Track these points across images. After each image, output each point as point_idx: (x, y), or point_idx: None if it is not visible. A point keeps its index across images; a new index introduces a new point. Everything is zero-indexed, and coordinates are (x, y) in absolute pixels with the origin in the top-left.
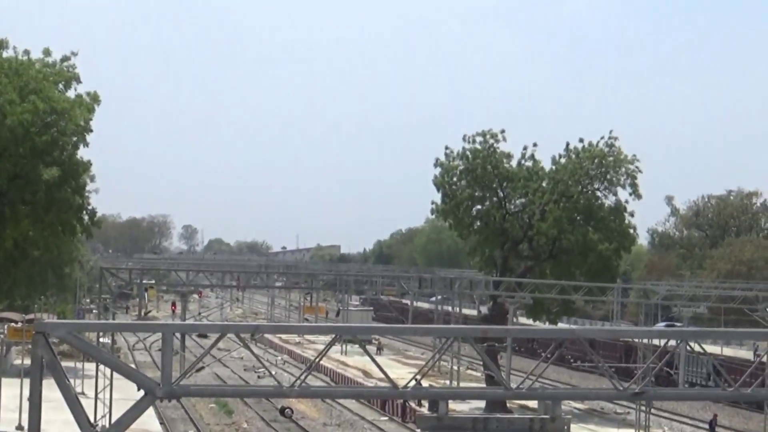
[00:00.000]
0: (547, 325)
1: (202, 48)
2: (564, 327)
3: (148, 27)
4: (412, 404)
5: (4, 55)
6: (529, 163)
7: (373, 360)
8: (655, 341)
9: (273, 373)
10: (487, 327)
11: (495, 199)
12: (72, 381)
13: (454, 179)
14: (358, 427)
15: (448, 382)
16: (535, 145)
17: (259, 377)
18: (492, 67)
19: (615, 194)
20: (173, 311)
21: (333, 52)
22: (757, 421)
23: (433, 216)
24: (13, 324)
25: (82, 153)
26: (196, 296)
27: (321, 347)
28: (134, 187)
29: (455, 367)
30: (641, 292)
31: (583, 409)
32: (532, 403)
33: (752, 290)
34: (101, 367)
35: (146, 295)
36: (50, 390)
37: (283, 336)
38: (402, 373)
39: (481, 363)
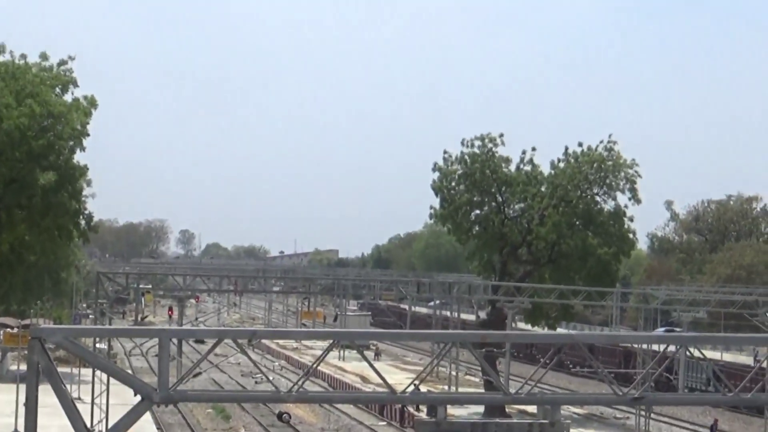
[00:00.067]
0: (545, 330)
1: (200, 52)
2: (563, 332)
3: (146, 31)
4: (411, 409)
5: (1, 59)
6: (528, 168)
7: (371, 365)
8: (655, 346)
9: (270, 378)
10: (486, 332)
11: (494, 203)
12: (68, 386)
13: (453, 184)
14: None
15: (446, 387)
16: (533, 149)
17: (256, 382)
18: (491, 71)
19: (614, 199)
20: (170, 316)
21: (332, 56)
22: (757, 426)
23: (432, 220)
24: (9, 329)
25: (79, 157)
26: (193, 301)
27: (319, 353)
28: (131, 192)
29: (454, 373)
30: (641, 296)
31: (582, 414)
32: (531, 409)
33: (752, 295)
34: (98, 372)
35: (143, 300)
36: (46, 395)
37: (281, 341)
38: (400, 379)
39: (480, 368)
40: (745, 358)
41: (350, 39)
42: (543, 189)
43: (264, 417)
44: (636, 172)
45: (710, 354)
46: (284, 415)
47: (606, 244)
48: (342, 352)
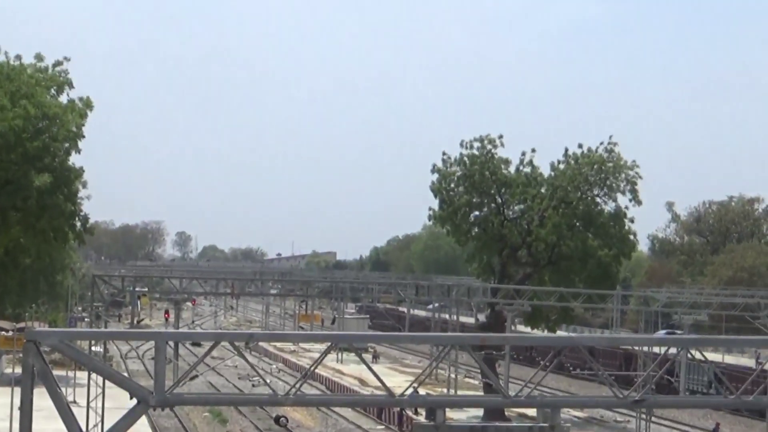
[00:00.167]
0: (545, 333)
1: (195, 53)
2: (563, 335)
3: (143, 33)
4: (409, 413)
5: None
6: (528, 169)
7: (370, 368)
8: (656, 349)
9: (268, 381)
10: (485, 335)
11: (493, 205)
12: (63, 390)
13: (452, 185)
14: None
15: (445, 390)
16: (533, 150)
17: (253, 386)
18: (490, 72)
19: (615, 200)
20: (166, 319)
21: (330, 58)
22: (759, 429)
23: (431, 222)
24: (4, 332)
25: (75, 159)
26: (189, 304)
27: (316, 355)
28: (127, 194)
29: (453, 376)
30: (641, 299)
31: (582, 417)
32: (531, 412)
33: (754, 297)
34: (93, 375)
35: (139, 303)
36: (41, 399)
37: (278, 344)
38: (399, 382)
39: (479, 371)
40: (746, 361)
41: (348, 40)
42: (543, 190)
43: (261, 420)
44: (636, 173)
45: (711, 356)
46: (282, 418)
47: (606, 245)
48: (340, 355)
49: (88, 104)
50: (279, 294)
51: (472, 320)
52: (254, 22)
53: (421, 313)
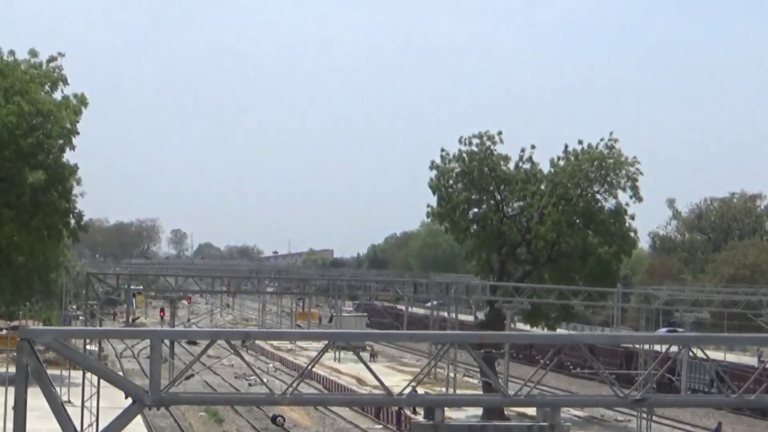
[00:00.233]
0: (545, 331)
1: (192, 50)
2: (563, 333)
3: (137, 29)
4: (408, 412)
5: None
6: (527, 166)
7: (368, 367)
8: (657, 347)
9: (264, 380)
10: (484, 333)
11: (492, 202)
12: (58, 389)
13: (450, 182)
14: None
15: (444, 389)
16: (533, 147)
17: (250, 385)
18: (489, 68)
19: (615, 197)
20: (162, 318)
21: (325, 54)
22: (761, 428)
23: (429, 219)
24: None
25: (69, 156)
26: (185, 302)
27: (313, 354)
28: (122, 191)
29: (451, 374)
30: (642, 296)
31: (582, 416)
32: (531, 411)
33: (756, 295)
34: (88, 374)
35: (134, 301)
36: (35, 398)
37: (275, 343)
38: (397, 381)
39: (478, 370)
40: (748, 359)
41: (345, 35)
42: (542, 187)
43: (258, 420)
44: (637, 169)
45: (713, 355)
46: (278, 418)
47: (607, 243)
48: (337, 353)
49: (82, 101)
50: (276, 292)
51: (471, 318)
52: (251, 15)
53: (420, 311)
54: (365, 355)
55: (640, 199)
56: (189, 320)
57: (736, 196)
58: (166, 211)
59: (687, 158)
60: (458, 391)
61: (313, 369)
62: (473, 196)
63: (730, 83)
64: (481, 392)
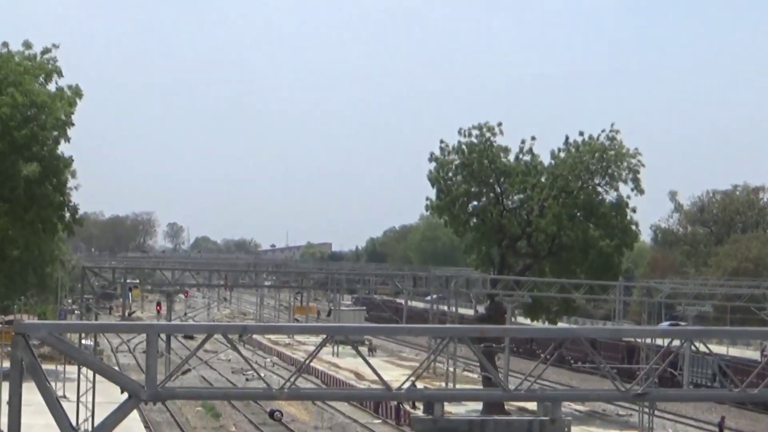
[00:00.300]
0: (546, 325)
1: (187, 42)
2: (564, 326)
3: (132, 20)
4: (407, 407)
5: None
6: (527, 158)
7: (366, 361)
8: (659, 341)
9: (262, 375)
10: (484, 327)
11: (492, 194)
12: (53, 384)
13: (450, 174)
14: (350, 430)
15: (443, 383)
16: (533, 138)
17: (247, 379)
18: (488, 59)
19: (616, 189)
20: (158, 312)
21: (322, 44)
22: (764, 423)
23: (428, 212)
24: None
25: (64, 148)
26: (182, 296)
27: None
28: (117, 184)
29: (451, 369)
30: (644, 290)
31: (584, 411)
32: (531, 405)
33: (759, 288)
34: (83, 369)
35: (130, 295)
36: (30, 393)
37: (273, 337)
38: (396, 375)
39: (478, 364)
40: (751, 353)
41: (342, 27)
42: (543, 179)
43: (255, 415)
44: (639, 161)
45: (716, 348)
46: (276, 413)
47: (608, 236)
48: (336, 347)
49: (77, 92)
50: (273, 286)
51: (471, 312)
52: (249, 4)
53: (419, 304)
54: (364, 350)
55: (641, 192)
56: (186, 314)
57: (738, 189)
58: (162, 205)
59: (689, 150)
60: (458, 386)
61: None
62: (473, 189)
63: (734, 74)
64: (481, 387)
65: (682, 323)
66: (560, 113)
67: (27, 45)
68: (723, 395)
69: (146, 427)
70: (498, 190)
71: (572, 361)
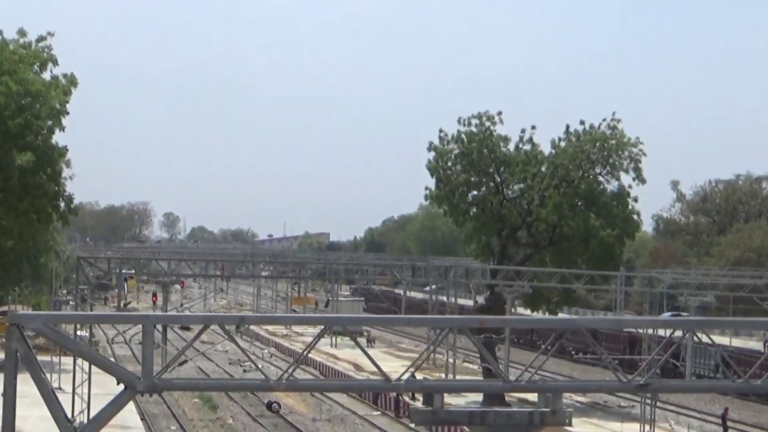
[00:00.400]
0: (546, 316)
1: (183, 31)
2: (565, 317)
3: (128, 8)
4: (406, 398)
5: None
6: (528, 147)
7: (365, 352)
8: (661, 331)
9: (260, 366)
10: (484, 317)
11: (492, 184)
12: (48, 375)
13: (449, 164)
14: (349, 422)
15: (443, 375)
16: (533, 127)
17: (244, 371)
18: (488, 46)
19: (618, 179)
20: (154, 302)
21: (319, 32)
22: (767, 414)
23: (427, 202)
24: None
25: (58, 138)
26: (178, 286)
27: (309, 340)
28: (113, 174)
29: (451, 360)
30: (646, 280)
31: (585, 402)
32: (532, 397)
33: (762, 278)
34: (79, 360)
35: (126, 285)
36: (25, 385)
37: (270, 328)
38: (395, 366)
39: (478, 355)
40: (754, 344)
41: (341, 16)
42: (543, 169)
43: (253, 407)
44: (640, 150)
45: (719, 339)
46: (274, 404)
47: (609, 225)
48: (334, 339)
49: (72, 81)
50: (271, 276)
51: (470, 303)
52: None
53: (418, 295)
54: (362, 341)
55: (643, 181)
56: (182, 305)
57: (741, 178)
58: (158, 194)
59: (691, 139)
60: (458, 377)
61: (309, 355)
62: (472, 178)
63: (737, 63)
64: (481, 378)
65: (684, 314)
66: (561, 102)
67: (22, 33)
68: (726, 386)
69: (142, 419)
70: (498, 179)
71: (573, 352)
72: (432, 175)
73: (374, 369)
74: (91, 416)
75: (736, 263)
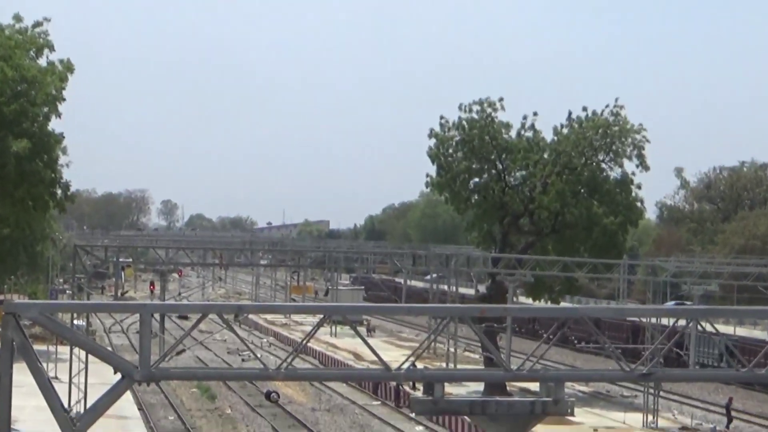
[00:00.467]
0: (548, 304)
1: (182, 17)
2: (567, 306)
3: None
4: (406, 388)
5: None
6: (530, 134)
7: (365, 341)
8: (664, 320)
9: (258, 355)
10: (486, 306)
11: (493, 171)
12: (45, 365)
13: (450, 151)
14: (348, 411)
15: (444, 364)
16: (535, 114)
17: (243, 360)
18: (490, 32)
19: (621, 166)
20: (152, 291)
21: (320, 20)
22: None
23: (428, 189)
24: None
25: (55, 124)
26: (175, 275)
27: (309, 329)
28: (110, 161)
29: (452, 349)
30: (649, 268)
31: (587, 392)
32: (534, 386)
33: (767, 266)
34: (76, 350)
35: (123, 274)
36: (22, 374)
37: (269, 317)
38: (395, 356)
39: (480, 344)
40: (759, 333)
41: (341, 2)
42: (545, 156)
43: (251, 396)
44: (644, 137)
45: (723, 328)
46: (273, 394)
47: (612, 213)
48: (334, 328)
49: (68, 67)
50: (270, 264)
51: (472, 291)
52: None
53: (419, 284)
54: (362, 330)
55: (646, 168)
56: (180, 294)
57: (746, 165)
58: (156, 182)
59: (695, 126)
60: (459, 366)
61: (309, 344)
62: (474, 166)
63: (741, 49)
64: (482, 367)
65: (688, 302)
66: (563, 89)
67: (17, 18)
68: (730, 375)
69: (140, 408)
70: (500, 166)
71: (576, 341)
72: (433, 162)
73: (374, 358)
74: (88, 406)
75: (741, 251)
